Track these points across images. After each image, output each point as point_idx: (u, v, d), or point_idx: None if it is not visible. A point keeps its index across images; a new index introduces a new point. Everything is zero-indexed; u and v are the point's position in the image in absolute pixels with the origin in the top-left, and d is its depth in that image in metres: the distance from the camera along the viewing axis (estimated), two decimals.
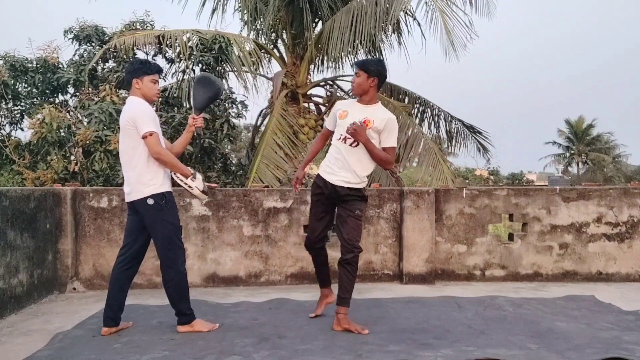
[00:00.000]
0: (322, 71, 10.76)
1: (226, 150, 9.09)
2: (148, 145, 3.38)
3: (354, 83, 3.67)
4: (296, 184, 3.92)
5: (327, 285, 3.98)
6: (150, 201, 3.42)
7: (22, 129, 7.96)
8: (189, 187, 3.57)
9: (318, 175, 3.75)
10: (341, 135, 3.61)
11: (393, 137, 3.61)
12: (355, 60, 10.43)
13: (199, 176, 3.63)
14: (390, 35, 10.42)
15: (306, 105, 10.25)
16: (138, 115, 3.40)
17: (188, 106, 7.87)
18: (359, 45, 9.11)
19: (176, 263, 3.50)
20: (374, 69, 3.59)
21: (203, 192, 3.63)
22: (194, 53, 7.73)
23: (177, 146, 3.77)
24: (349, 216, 3.59)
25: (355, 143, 3.56)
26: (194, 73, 7.84)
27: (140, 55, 8.20)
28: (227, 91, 8.14)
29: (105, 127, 6.67)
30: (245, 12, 10.01)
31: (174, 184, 3.61)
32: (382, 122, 3.57)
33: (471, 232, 5.43)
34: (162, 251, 3.51)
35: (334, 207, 3.74)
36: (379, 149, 3.58)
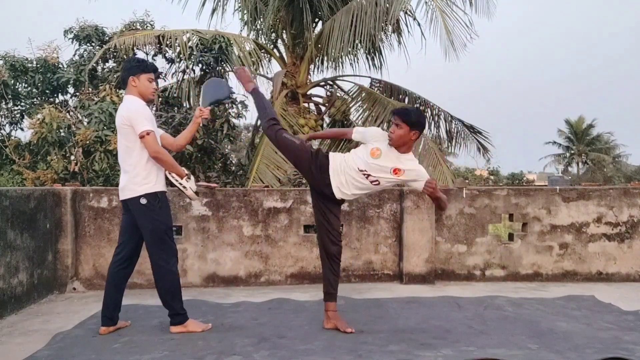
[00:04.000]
0: (322, 71, 10.78)
1: (226, 150, 9.08)
2: (146, 144, 3.38)
3: (393, 134, 3.43)
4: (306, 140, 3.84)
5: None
6: (143, 200, 3.43)
7: (22, 129, 7.99)
8: (183, 187, 3.61)
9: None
10: (365, 171, 3.49)
11: (422, 182, 3.47)
12: (356, 59, 10.48)
13: (192, 178, 3.68)
14: (390, 35, 10.42)
15: (306, 105, 10.25)
16: (134, 114, 3.40)
17: (188, 106, 7.87)
18: (359, 45, 9.11)
19: (168, 262, 3.51)
20: (416, 122, 3.43)
21: (196, 192, 3.69)
22: (194, 53, 7.74)
23: (182, 138, 3.80)
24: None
25: (377, 182, 3.52)
26: (194, 73, 7.86)
27: (140, 55, 8.22)
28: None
29: (105, 127, 6.67)
30: (245, 12, 10.01)
31: (168, 183, 3.62)
32: (412, 175, 3.47)
33: (471, 232, 5.43)
34: (153, 250, 3.51)
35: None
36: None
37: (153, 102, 3.77)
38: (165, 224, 3.51)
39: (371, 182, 3.53)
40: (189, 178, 3.62)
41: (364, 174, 3.51)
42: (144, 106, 3.52)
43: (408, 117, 3.42)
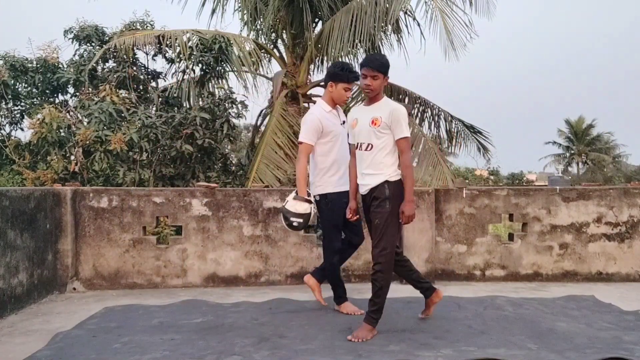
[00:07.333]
0: (322, 71, 10.76)
1: (226, 150, 9.08)
2: (299, 150, 3.98)
3: (370, 86, 3.47)
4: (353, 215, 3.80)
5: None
6: (317, 198, 3.99)
7: (22, 129, 8.00)
8: (287, 201, 4.00)
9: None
10: (358, 143, 3.58)
11: (403, 127, 3.47)
12: (356, 59, 10.46)
13: (297, 201, 3.97)
14: (390, 35, 10.42)
15: (306, 105, 10.24)
16: (304, 124, 3.94)
17: (188, 106, 7.87)
18: (359, 45, 9.11)
19: (329, 256, 4.09)
20: (385, 69, 3.50)
21: (294, 213, 3.95)
22: (194, 53, 7.74)
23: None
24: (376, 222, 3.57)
25: (369, 145, 3.51)
26: (194, 73, 7.86)
27: (140, 55, 8.23)
28: (227, 91, 8.16)
29: (105, 127, 6.67)
30: (245, 12, 10.01)
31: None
32: (389, 115, 3.46)
33: (471, 232, 5.43)
34: (323, 242, 4.16)
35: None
36: (410, 183, 3.46)
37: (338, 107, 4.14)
38: (329, 222, 4.01)
39: (364, 149, 3.54)
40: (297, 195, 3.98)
41: (359, 148, 3.57)
42: (317, 118, 3.90)
43: (383, 67, 3.47)
